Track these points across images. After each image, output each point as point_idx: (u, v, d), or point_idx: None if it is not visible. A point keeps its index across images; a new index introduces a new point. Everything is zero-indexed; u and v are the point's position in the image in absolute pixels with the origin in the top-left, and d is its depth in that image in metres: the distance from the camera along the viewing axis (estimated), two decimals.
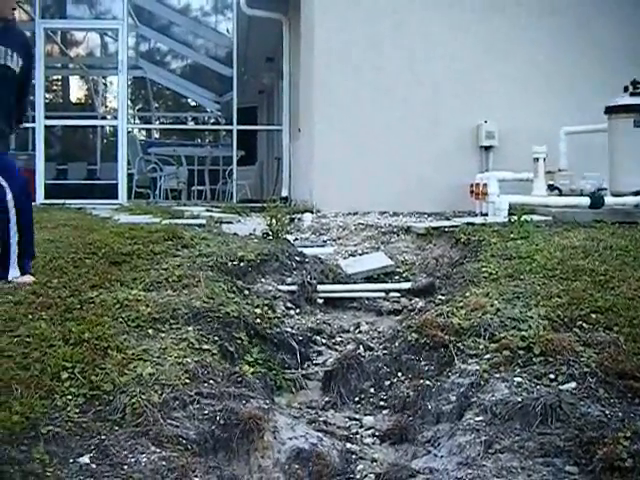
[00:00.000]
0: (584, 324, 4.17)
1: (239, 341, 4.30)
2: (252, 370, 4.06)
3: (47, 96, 20.07)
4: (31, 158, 12.23)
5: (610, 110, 8.05)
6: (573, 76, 9.55)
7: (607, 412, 3.28)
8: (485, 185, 8.29)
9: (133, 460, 2.95)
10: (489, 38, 9.63)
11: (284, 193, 11.65)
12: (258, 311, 4.75)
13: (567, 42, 9.64)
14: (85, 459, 2.92)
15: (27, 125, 11.80)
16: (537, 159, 8.53)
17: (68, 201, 10.71)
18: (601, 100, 8.16)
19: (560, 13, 9.69)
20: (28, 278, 4.73)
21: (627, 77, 8.09)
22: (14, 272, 4.69)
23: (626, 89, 8.04)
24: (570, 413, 3.28)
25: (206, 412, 3.37)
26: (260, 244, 6.22)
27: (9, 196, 4.58)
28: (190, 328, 4.16)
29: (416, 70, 9.49)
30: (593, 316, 4.27)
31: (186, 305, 4.41)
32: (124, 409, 3.24)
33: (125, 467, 2.91)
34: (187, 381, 3.54)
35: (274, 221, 6.65)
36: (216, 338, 4.17)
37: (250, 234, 6.91)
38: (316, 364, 4.67)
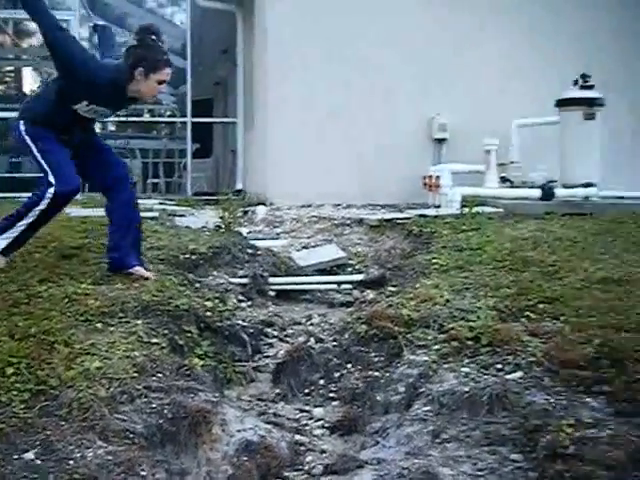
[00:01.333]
0: (531, 314, 4.23)
1: (189, 334, 4.27)
2: (202, 363, 4.04)
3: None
4: None
5: (561, 103, 8.17)
6: (526, 70, 9.65)
7: (552, 401, 3.31)
8: (438, 177, 8.35)
9: (79, 455, 2.92)
10: (446, 32, 9.69)
11: (239, 186, 11.58)
12: (209, 304, 4.73)
13: (520, 38, 9.75)
14: (30, 455, 2.88)
15: None
16: (489, 151, 8.62)
17: (21, 194, 10.53)
18: (552, 93, 8.27)
19: (514, 10, 9.78)
20: None
21: (577, 71, 8.21)
22: None
23: (576, 82, 8.17)
24: (516, 402, 3.32)
25: (154, 406, 3.34)
26: (212, 237, 6.20)
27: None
28: (139, 322, 4.13)
29: (371, 61, 9.50)
30: (540, 306, 4.33)
31: (136, 299, 4.37)
32: (70, 404, 3.20)
33: (71, 462, 2.87)
34: (135, 375, 3.51)
35: (227, 214, 6.62)
36: (165, 331, 4.14)
37: (203, 227, 6.88)
38: (267, 356, 4.67)
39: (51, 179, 4.55)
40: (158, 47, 4.55)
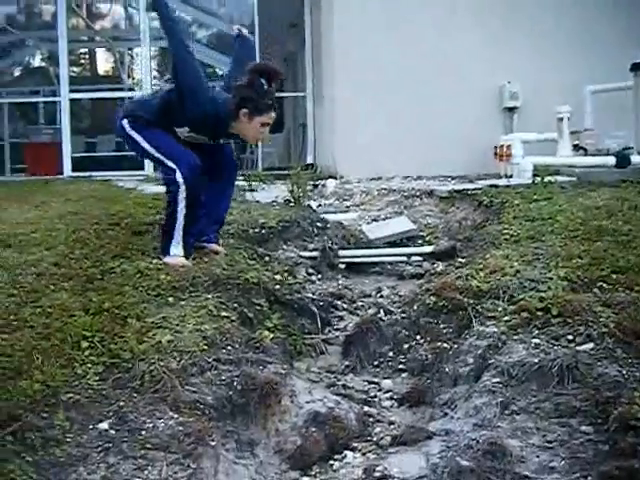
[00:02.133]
0: (604, 284, 4.13)
1: (259, 307, 4.32)
2: (271, 336, 4.07)
3: (74, 69, 20.18)
4: (57, 132, 12.28)
5: (635, 67, 7.93)
6: (597, 34, 9.40)
7: (624, 372, 3.25)
8: (509, 147, 8.22)
9: (151, 425, 2.99)
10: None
11: (309, 160, 11.61)
12: (278, 277, 4.78)
13: (592, 2, 9.49)
14: (104, 425, 2.97)
15: (54, 99, 11.88)
16: (561, 119, 8.43)
17: (96, 173, 10.78)
18: (627, 57, 8.03)
19: None
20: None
21: None
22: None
23: None
24: (587, 374, 3.27)
25: (224, 378, 3.40)
26: (282, 211, 6.23)
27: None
28: (209, 295, 4.19)
29: (439, 30, 9.40)
30: (613, 276, 4.23)
31: (206, 273, 4.43)
32: (142, 376, 3.28)
33: (143, 432, 2.95)
34: (205, 348, 3.57)
35: (296, 188, 6.65)
36: (235, 305, 4.19)
37: (273, 201, 6.93)
38: (337, 329, 4.70)
39: (171, 164, 4.59)
40: (267, 91, 4.52)
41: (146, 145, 4.69)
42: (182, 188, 4.53)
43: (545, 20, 9.48)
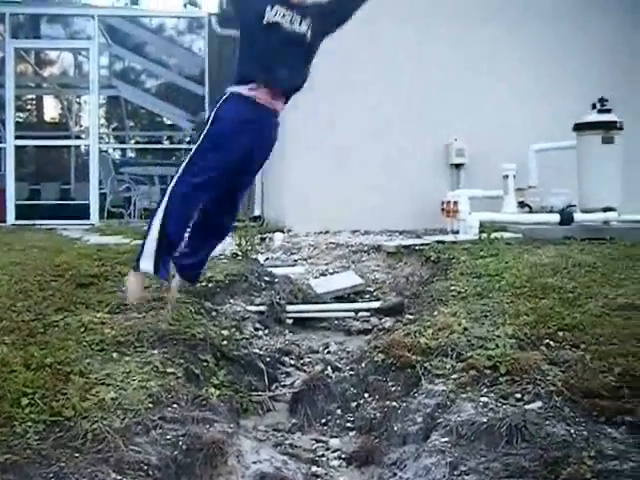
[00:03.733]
0: (551, 342, 4.17)
1: (205, 364, 4.26)
2: (218, 393, 4.02)
3: (21, 115, 19.99)
4: (2, 178, 12.12)
5: (578, 127, 8.12)
6: (544, 94, 9.60)
7: (572, 431, 3.26)
8: (456, 203, 8.30)
9: None
10: (462, 56, 9.67)
11: (257, 212, 11.59)
12: (225, 332, 4.72)
13: (537, 63, 9.71)
14: None
15: None
16: (507, 176, 8.57)
17: (40, 222, 10.62)
18: (571, 117, 8.23)
19: (530, 37, 9.76)
20: None
21: (595, 95, 8.18)
22: None
23: (594, 106, 8.12)
24: (535, 433, 3.26)
25: (169, 437, 3.32)
26: (229, 264, 6.19)
27: None
28: (155, 351, 4.12)
29: (388, 88, 9.50)
30: (560, 334, 4.27)
31: (152, 328, 4.37)
32: (85, 435, 3.18)
33: None
34: (150, 405, 3.49)
35: (243, 241, 6.61)
36: (181, 361, 4.13)
37: (220, 254, 6.86)
38: (284, 386, 4.64)
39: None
40: None
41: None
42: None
43: (491, 79, 9.66)
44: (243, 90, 4.29)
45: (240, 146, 4.27)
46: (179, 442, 3.30)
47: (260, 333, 5.23)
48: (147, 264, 4.25)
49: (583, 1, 9.97)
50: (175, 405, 3.60)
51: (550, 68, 9.68)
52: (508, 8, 9.81)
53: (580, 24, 9.82)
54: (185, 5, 16.14)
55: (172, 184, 4.27)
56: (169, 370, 3.94)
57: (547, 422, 3.34)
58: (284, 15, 4.30)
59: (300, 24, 4.36)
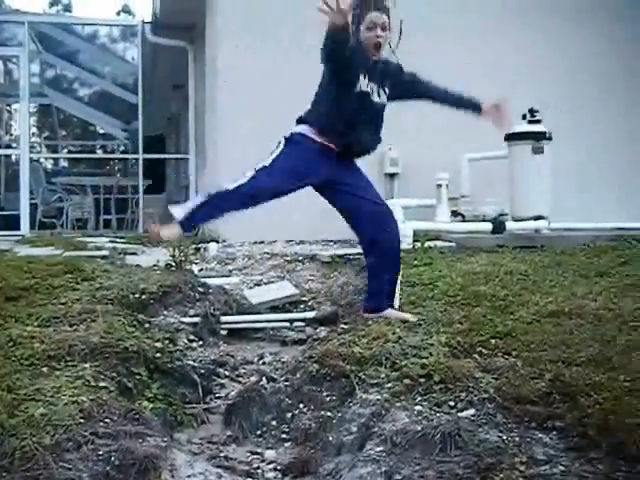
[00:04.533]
0: (484, 350, 4.23)
1: (138, 377, 4.20)
2: (151, 406, 3.97)
3: None
4: None
5: (509, 137, 8.27)
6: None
7: (505, 438, 3.30)
8: None
9: None
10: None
11: None
12: (159, 345, 4.65)
13: (471, 72, 9.82)
14: None
15: None
16: (440, 185, 8.68)
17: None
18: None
19: (468, 40, 9.89)
20: None
21: (528, 105, 8.33)
22: None
23: (524, 117, 8.28)
24: (469, 440, 3.29)
25: (101, 452, 3.26)
26: (163, 276, 6.12)
27: None
28: (87, 365, 4.05)
29: None
30: (492, 341, 4.34)
31: (83, 341, 4.29)
32: (13, 453, 3.10)
33: None
34: (81, 421, 3.42)
35: (177, 252, 6.55)
36: (114, 374, 4.07)
37: (154, 265, 6.79)
38: (219, 397, 4.60)
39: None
40: None
41: None
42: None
43: None
44: (315, 137, 4.78)
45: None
46: (111, 457, 3.24)
47: (194, 345, 5.17)
48: (179, 211, 4.60)
49: (518, 13, 10.14)
50: (107, 420, 3.53)
51: (484, 81, 9.79)
52: (443, 17, 9.93)
53: (515, 32, 10.00)
54: (119, 12, 16.03)
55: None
56: (101, 384, 3.88)
57: (480, 429, 3.37)
58: (371, 87, 4.70)
59: (380, 96, 4.81)
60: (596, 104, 10.15)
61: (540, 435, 3.30)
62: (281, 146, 4.77)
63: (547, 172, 8.22)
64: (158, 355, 4.52)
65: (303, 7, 9.53)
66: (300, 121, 4.85)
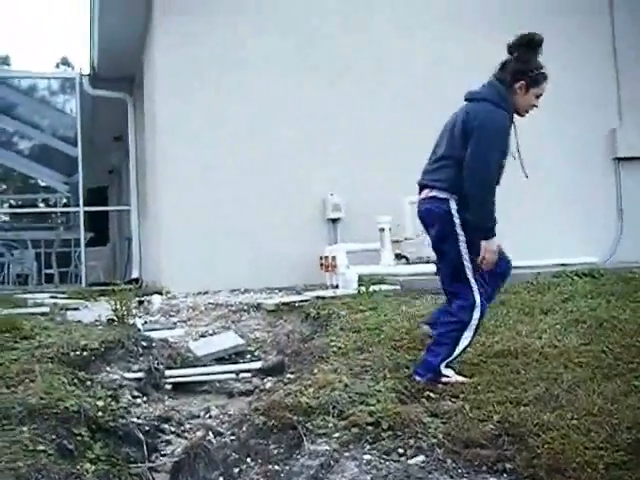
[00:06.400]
0: (431, 394, 4.20)
1: (79, 437, 4.05)
2: (93, 468, 3.83)
3: None
4: None
5: None
6: (412, 147, 9.77)
7: None
8: (334, 257, 8.36)
9: None
10: (334, 114, 9.81)
11: (134, 274, 11.41)
12: (101, 403, 4.52)
13: (403, 114, 9.93)
14: None
15: None
16: (383, 229, 8.70)
17: None
18: None
19: (401, 84, 10.01)
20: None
21: None
22: None
23: None
24: None
25: None
26: (105, 331, 6.00)
27: None
28: (24, 428, 3.91)
29: (261, 143, 9.54)
30: (440, 385, 4.31)
31: (21, 403, 4.15)
32: None
33: None
34: None
35: (120, 306, 6.44)
36: (53, 437, 3.92)
37: (96, 320, 6.68)
38: (164, 455, 4.47)
39: (476, 296, 4.38)
40: (539, 62, 4.47)
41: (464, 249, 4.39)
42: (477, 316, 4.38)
43: (364, 134, 9.83)
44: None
45: None
46: None
47: (138, 401, 5.05)
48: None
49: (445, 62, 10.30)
50: None
51: (417, 123, 9.90)
52: (382, 65, 10.06)
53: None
54: (58, 65, 15.94)
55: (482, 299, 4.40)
56: (40, 448, 3.74)
57: (430, 475, 3.34)
58: None
59: None
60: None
61: (491, 479, 3.27)
62: None
63: None
64: (100, 414, 4.38)
65: (243, 57, 9.68)
66: None
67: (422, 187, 4.66)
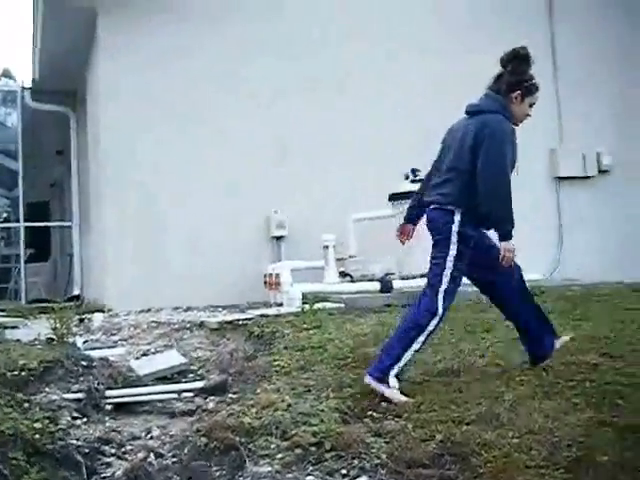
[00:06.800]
0: (374, 413, 4.19)
1: (15, 462, 3.95)
2: None
3: None
4: None
5: (393, 197, 8.39)
6: (362, 163, 9.84)
7: None
8: (278, 275, 8.33)
9: None
10: (274, 128, 9.81)
11: (76, 291, 11.23)
12: (38, 425, 4.41)
13: (354, 132, 9.97)
14: None
15: None
16: (327, 247, 8.70)
17: None
18: (391, 185, 8.48)
19: (349, 99, 10.04)
20: None
21: (411, 164, 8.48)
22: None
23: (407, 177, 8.42)
24: None
25: None
26: (44, 350, 5.89)
27: None
28: None
29: (207, 161, 9.49)
30: (383, 404, 4.30)
31: None
32: None
33: None
34: None
35: (60, 324, 6.33)
36: None
37: (35, 339, 6.54)
38: (104, 478, 4.37)
39: (439, 307, 4.52)
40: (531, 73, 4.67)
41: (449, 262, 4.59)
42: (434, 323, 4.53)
43: (308, 151, 9.84)
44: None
45: None
46: None
47: (78, 422, 4.95)
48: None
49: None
50: None
51: (368, 139, 9.95)
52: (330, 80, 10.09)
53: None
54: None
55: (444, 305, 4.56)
56: None
57: None
58: None
59: None
60: None
61: None
62: None
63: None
64: (38, 436, 4.27)
65: (193, 73, 9.62)
66: None
67: (430, 204, 4.81)
